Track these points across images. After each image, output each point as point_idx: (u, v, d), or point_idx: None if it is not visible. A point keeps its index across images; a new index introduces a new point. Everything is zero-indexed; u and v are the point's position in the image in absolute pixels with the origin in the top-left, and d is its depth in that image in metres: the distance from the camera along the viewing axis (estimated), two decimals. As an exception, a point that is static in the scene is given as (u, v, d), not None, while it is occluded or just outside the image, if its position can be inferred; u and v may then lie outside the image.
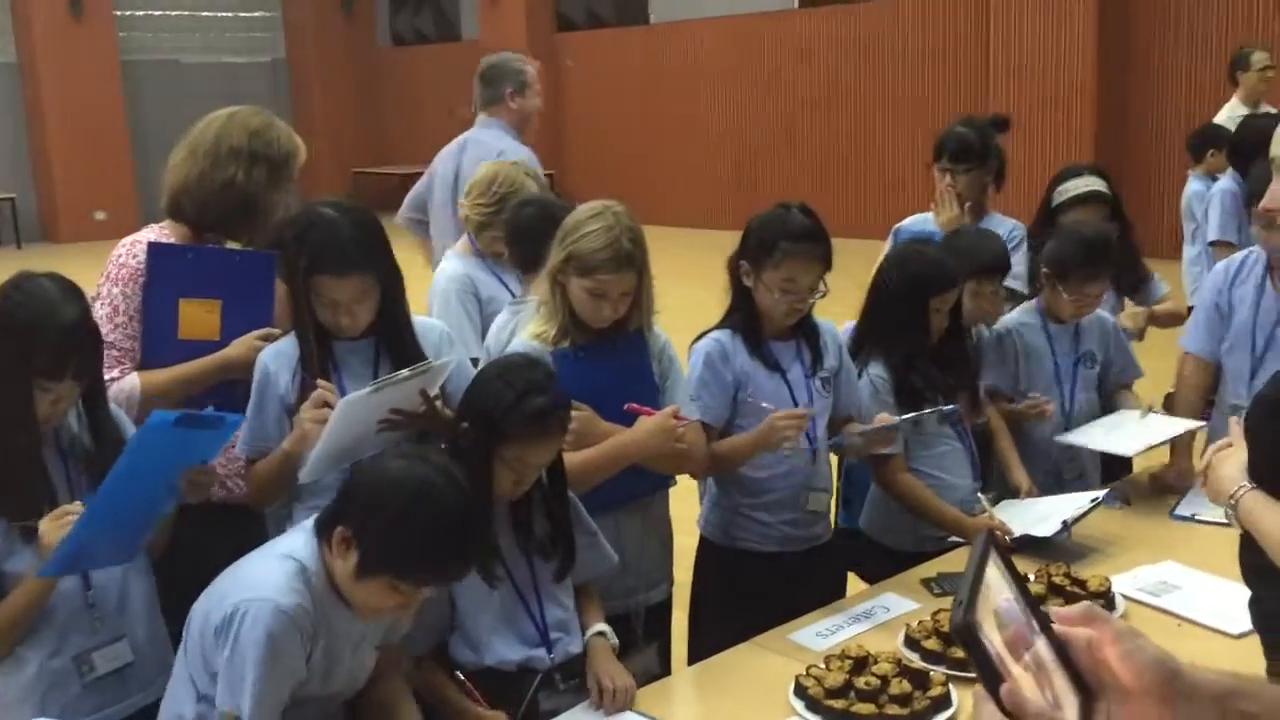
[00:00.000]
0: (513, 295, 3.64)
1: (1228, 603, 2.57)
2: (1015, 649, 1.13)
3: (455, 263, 3.71)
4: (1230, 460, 1.99)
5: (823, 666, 2.31)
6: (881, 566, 3.04)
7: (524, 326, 3.18)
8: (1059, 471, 3.43)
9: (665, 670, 2.82)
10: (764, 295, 2.82)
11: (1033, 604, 1.18)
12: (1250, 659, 2.10)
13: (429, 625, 2.38)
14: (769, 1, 13.63)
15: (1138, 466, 3.60)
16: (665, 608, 2.94)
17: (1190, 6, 10.45)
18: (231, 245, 2.95)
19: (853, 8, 12.97)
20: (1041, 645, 1.14)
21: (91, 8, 15.54)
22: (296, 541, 2.15)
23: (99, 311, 2.70)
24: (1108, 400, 3.56)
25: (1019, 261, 3.94)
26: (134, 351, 2.80)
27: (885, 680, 2.24)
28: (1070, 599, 2.53)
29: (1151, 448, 3.31)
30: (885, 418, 2.89)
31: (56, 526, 2.07)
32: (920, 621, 2.48)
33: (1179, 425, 3.33)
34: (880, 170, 12.12)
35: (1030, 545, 2.89)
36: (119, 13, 16.23)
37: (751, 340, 2.87)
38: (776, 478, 2.92)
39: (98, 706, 2.26)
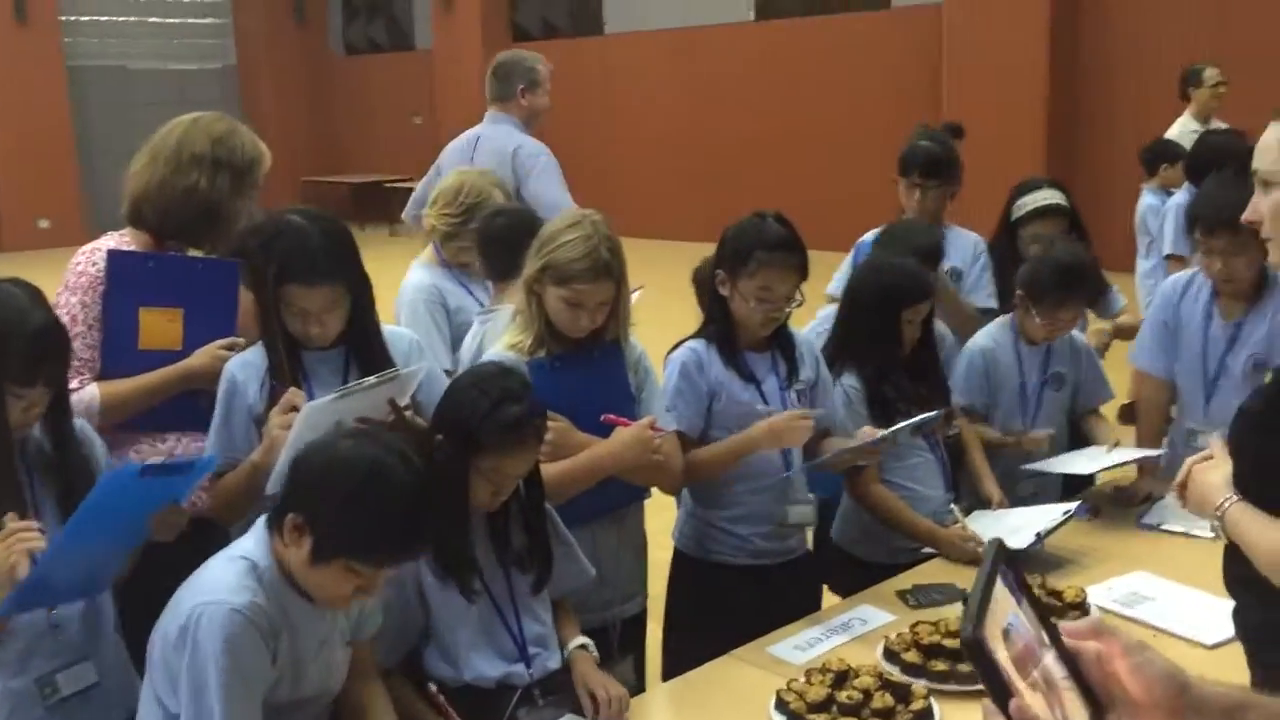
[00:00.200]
0: (480, 305, 3.60)
1: (1200, 613, 2.59)
2: (1024, 664, 1.11)
3: (421, 273, 3.67)
4: (1213, 472, 1.99)
5: (803, 680, 2.29)
6: (854, 579, 3.03)
7: (493, 336, 3.16)
8: (1014, 488, 3.42)
9: (640, 684, 2.78)
10: (740, 304, 2.81)
11: (1043, 617, 1.17)
12: (1224, 669, 2.09)
13: (397, 636, 2.33)
14: (724, 13, 13.67)
15: (1099, 480, 3.62)
16: (640, 621, 2.91)
17: (1140, 22, 10.61)
18: (193, 253, 2.89)
19: (807, 20, 13.05)
20: (1050, 659, 1.12)
21: (36, 12, 15.29)
22: (246, 541, 2.10)
23: None
24: (1077, 425, 3.57)
25: (987, 277, 3.98)
26: (93, 362, 2.73)
27: (867, 694, 2.22)
28: (1048, 611, 2.52)
29: (1110, 469, 3.34)
30: (870, 431, 2.87)
31: (4, 548, 1.99)
32: (899, 634, 2.47)
33: (1140, 452, 3.38)
34: (836, 183, 12.17)
35: (1003, 556, 2.89)
36: (65, 18, 15.98)
37: (726, 350, 2.86)
38: (750, 491, 2.90)
39: (64, 729, 2.19)
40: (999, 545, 1.20)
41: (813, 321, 3.53)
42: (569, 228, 2.61)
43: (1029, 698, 1.08)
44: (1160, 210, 6.23)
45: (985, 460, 3.30)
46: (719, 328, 2.87)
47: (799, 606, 2.83)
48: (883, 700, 2.20)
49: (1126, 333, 4.08)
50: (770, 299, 2.78)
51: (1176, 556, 2.94)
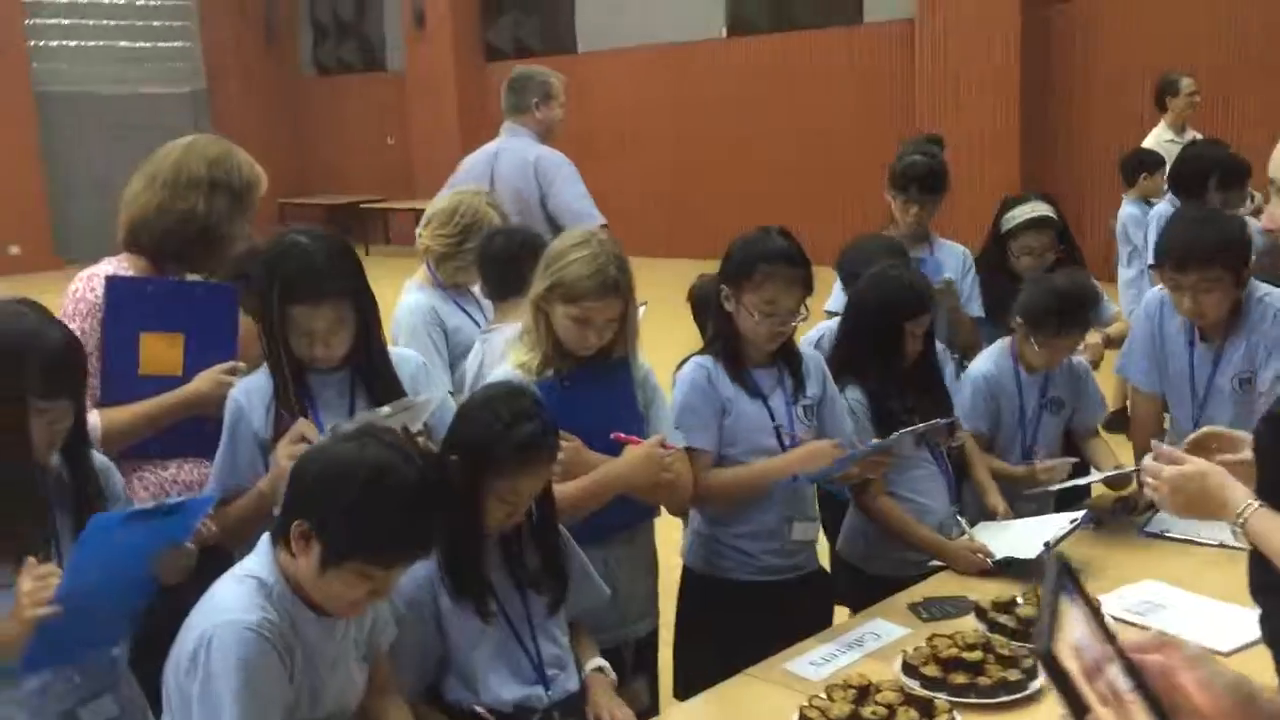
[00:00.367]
0: (477, 324, 3.59)
1: (1215, 621, 2.59)
2: (1091, 676, 1.11)
3: (418, 295, 3.64)
4: (1218, 477, 2.00)
5: (824, 697, 2.28)
6: (861, 593, 3.02)
7: (492, 355, 3.14)
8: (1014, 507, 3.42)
9: (654, 703, 2.76)
10: (745, 319, 2.80)
11: (1105, 629, 1.16)
12: (1242, 676, 2.11)
13: (419, 662, 2.30)
14: (697, 31, 13.70)
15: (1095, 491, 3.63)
16: (652, 640, 2.89)
17: (1111, 33, 10.71)
18: (192, 277, 2.86)
19: (779, 36, 13.09)
20: (1115, 671, 1.12)
21: (3, 39, 15.14)
22: (250, 561, 2.07)
23: None
24: (1077, 447, 3.57)
25: (976, 288, 4.01)
26: (93, 389, 2.69)
27: (891, 709, 2.20)
28: (1063, 621, 2.52)
29: (1112, 475, 3.34)
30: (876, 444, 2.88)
31: (37, 590, 1.95)
32: (915, 648, 2.45)
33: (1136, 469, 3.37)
34: (810, 199, 12.21)
35: (1009, 567, 2.89)
36: (33, 43, 15.85)
37: (733, 367, 2.85)
38: (757, 508, 2.89)
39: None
40: (1061, 560, 1.19)
41: (810, 331, 3.52)
42: (576, 245, 2.60)
43: (1100, 711, 1.08)
44: (1140, 220, 6.31)
45: (988, 472, 3.30)
46: (725, 344, 2.86)
47: (810, 622, 2.81)
48: (907, 715, 2.19)
49: (1119, 342, 4.10)
50: (776, 312, 2.77)
51: (1182, 564, 2.95)
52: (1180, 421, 3.36)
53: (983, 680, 2.32)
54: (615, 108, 14.30)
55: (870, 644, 2.61)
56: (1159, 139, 7.21)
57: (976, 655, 2.37)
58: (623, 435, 2.59)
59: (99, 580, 2.01)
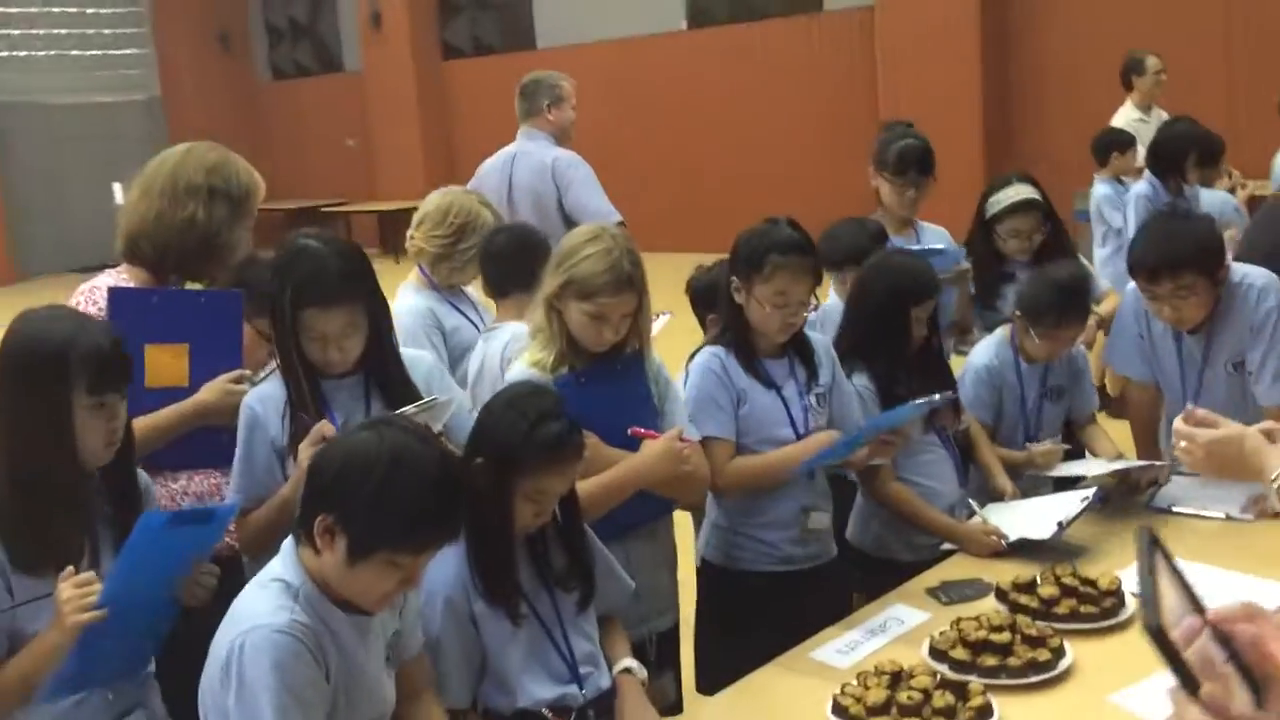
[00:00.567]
0: (474, 324, 3.57)
1: (1232, 593, 2.60)
2: (1188, 648, 1.12)
3: (414, 297, 3.62)
4: (1255, 439, 2.03)
5: (856, 684, 2.28)
6: (873, 579, 3.02)
7: (494, 354, 3.13)
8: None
9: (678, 696, 2.76)
10: (756, 310, 2.80)
11: (1195, 600, 1.17)
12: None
13: (464, 669, 2.29)
14: (656, 23, 13.69)
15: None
16: (673, 634, 2.89)
17: (1071, 15, 10.79)
18: (194, 286, 2.82)
19: (740, 26, 13.11)
20: (1207, 641, 1.13)
21: (-48, 50, 14.93)
22: (273, 565, 2.03)
23: None
24: (1076, 437, 3.59)
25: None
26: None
27: (926, 694, 2.21)
28: (1085, 599, 2.54)
29: (1116, 471, 3.37)
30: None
31: (79, 596, 1.92)
32: (942, 632, 2.46)
33: (1146, 463, 3.38)
34: (775, 190, 12.23)
35: (1022, 547, 2.90)
36: (-18, 54, 15.63)
37: (745, 357, 2.84)
38: (774, 497, 2.89)
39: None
40: (1151, 534, 1.20)
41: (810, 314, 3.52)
42: (589, 241, 2.59)
43: (1206, 685, 1.08)
44: (1114, 199, 6.36)
45: (995, 454, 3.32)
46: (736, 335, 2.86)
47: (829, 610, 2.81)
48: (943, 699, 2.19)
49: (1108, 323, 4.13)
50: (787, 304, 2.77)
51: (1191, 538, 2.97)
52: (1176, 407, 3.38)
53: (1012, 661, 2.33)
54: (577, 102, 14.24)
55: (894, 629, 2.62)
56: (1127, 118, 7.26)
57: (1005, 637, 2.37)
58: (640, 430, 2.59)
59: (141, 583, 1.99)
